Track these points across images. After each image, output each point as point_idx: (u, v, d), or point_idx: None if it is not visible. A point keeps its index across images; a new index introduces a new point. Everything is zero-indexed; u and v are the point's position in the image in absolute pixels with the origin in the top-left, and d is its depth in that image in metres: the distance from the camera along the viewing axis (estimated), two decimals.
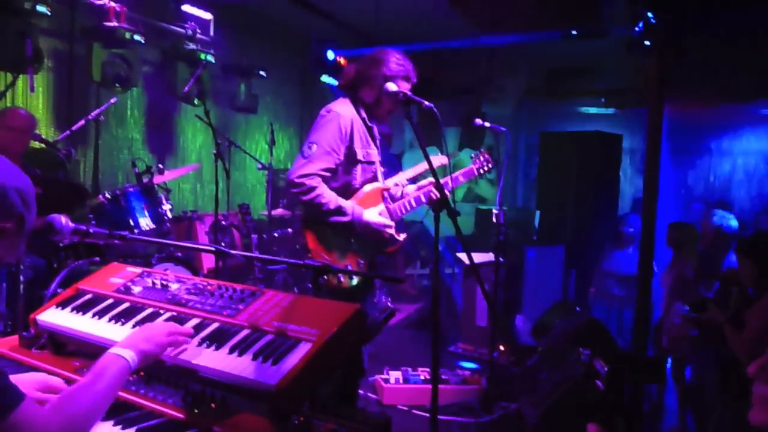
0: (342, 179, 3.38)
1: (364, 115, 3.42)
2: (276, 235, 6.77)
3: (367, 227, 3.35)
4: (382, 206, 3.50)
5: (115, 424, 1.66)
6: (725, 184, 10.25)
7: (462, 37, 7.80)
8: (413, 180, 3.96)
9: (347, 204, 3.31)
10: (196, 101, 6.60)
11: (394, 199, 3.61)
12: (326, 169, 3.27)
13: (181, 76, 6.56)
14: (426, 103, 3.07)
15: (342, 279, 3.27)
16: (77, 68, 5.76)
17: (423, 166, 3.96)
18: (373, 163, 3.47)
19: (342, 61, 8.14)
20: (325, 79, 8.09)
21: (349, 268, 3.34)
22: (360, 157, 3.38)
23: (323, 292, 2.06)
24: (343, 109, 3.36)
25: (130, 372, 1.69)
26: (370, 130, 3.45)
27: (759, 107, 9.59)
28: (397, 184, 3.76)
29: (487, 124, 4.77)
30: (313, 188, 3.22)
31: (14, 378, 1.53)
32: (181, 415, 1.68)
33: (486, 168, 3.90)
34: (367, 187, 3.47)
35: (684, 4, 4.37)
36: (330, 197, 3.26)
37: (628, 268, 6.47)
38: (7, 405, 1.42)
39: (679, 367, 4.83)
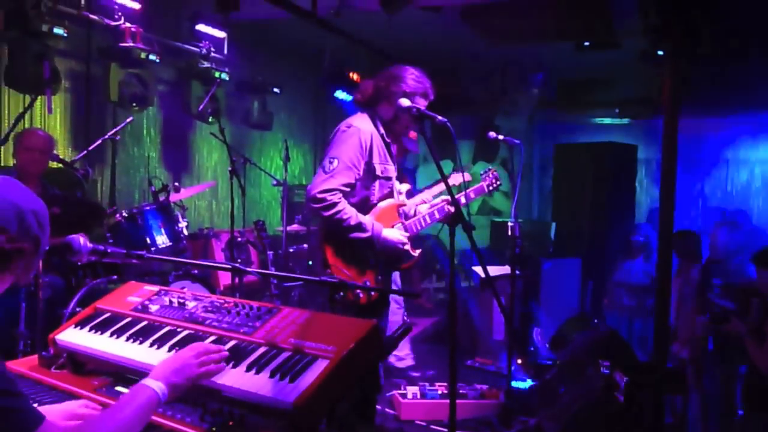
0: (360, 194, 3.38)
1: (382, 130, 3.44)
2: (291, 250, 6.78)
3: (386, 243, 3.35)
4: (399, 223, 3.51)
5: None
6: (743, 193, 10.15)
7: (474, 50, 7.84)
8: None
9: (367, 220, 3.31)
10: (210, 119, 6.66)
11: (407, 216, 3.62)
12: (347, 185, 3.27)
13: (196, 95, 6.62)
14: (439, 117, 3.09)
15: (361, 295, 3.27)
16: (94, 88, 5.84)
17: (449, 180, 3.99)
18: (390, 178, 3.49)
19: (355, 77, 8.19)
20: (339, 95, 8.13)
21: (367, 283, 3.35)
22: (378, 172, 3.40)
23: (340, 308, 2.06)
24: (364, 125, 3.37)
25: (159, 404, 1.67)
26: (388, 146, 3.47)
27: None
28: (424, 201, 3.77)
29: (501, 137, 4.77)
30: (334, 204, 3.22)
31: (46, 409, 1.53)
32: None
33: (495, 185, 3.99)
34: (384, 203, 3.48)
35: (697, 13, 4.35)
36: (351, 213, 3.26)
37: (638, 278, 6.44)
38: (27, 429, 1.43)
39: (698, 375, 4.77)
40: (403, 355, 5.38)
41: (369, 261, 3.36)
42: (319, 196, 3.21)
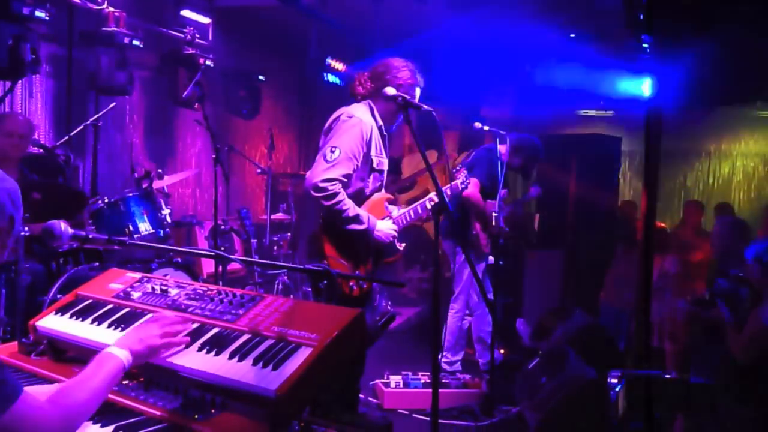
0: (356, 186, 3.37)
1: (380, 123, 3.44)
2: (275, 239, 6.77)
3: (379, 236, 3.36)
4: (387, 216, 3.52)
5: (115, 430, 1.65)
6: (724, 186, 10.25)
7: (461, 39, 7.82)
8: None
9: (363, 212, 3.32)
10: (195, 106, 6.61)
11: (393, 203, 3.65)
12: (346, 175, 3.25)
13: (180, 81, 6.56)
14: (425, 107, 3.09)
15: (354, 287, 3.28)
16: (76, 73, 5.76)
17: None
18: (383, 171, 3.50)
19: (340, 66, 8.16)
20: (329, 78, 8.10)
21: (359, 274, 3.36)
22: (375, 165, 3.40)
23: (325, 297, 2.06)
24: (365, 116, 3.37)
25: (124, 371, 1.74)
26: (384, 138, 3.48)
27: (759, 109, 9.60)
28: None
29: (486, 128, 4.78)
30: (335, 194, 3.20)
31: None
32: (181, 421, 1.68)
33: (466, 183, 4.07)
34: (375, 196, 3.50)
35: (681, 5, 4.37)
36: (350, 204, 3.26)
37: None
38: (7, 397, 1.46)
39: (683, 360, 4.83)
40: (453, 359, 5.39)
41: (362, 253, 3.37)
42: (321, 185, 3.18)
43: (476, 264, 5.01)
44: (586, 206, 7.33)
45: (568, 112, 10.06)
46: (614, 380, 3.42)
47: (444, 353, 5.28)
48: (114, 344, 1.78)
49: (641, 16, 4.64)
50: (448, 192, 3.87)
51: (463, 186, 4.05)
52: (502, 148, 5.29)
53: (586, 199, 7.34)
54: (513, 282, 6.81)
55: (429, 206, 3.59)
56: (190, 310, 2.05)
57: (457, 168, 4.07)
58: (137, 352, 1.77)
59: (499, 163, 4.90)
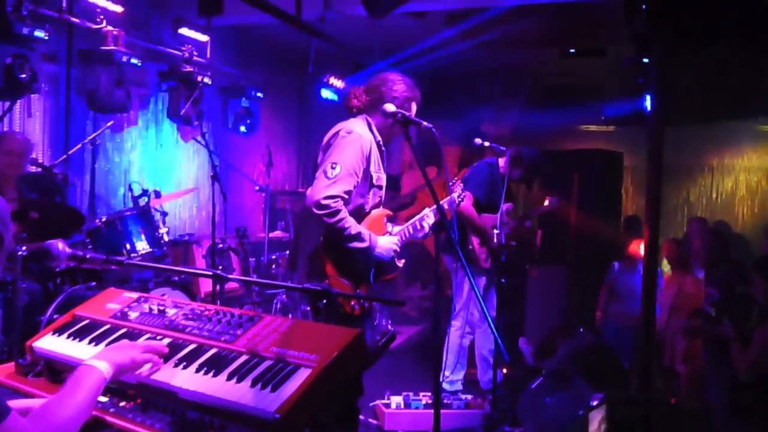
0: (355, 202, 3.35)
1: (378, 138, 3.44)
2: (274, 257, 6.76)
3: (380, 254, 3.35)
4: (386, 233, 3.51)
5: None
6: (728, 201, 10.25)
7: (460, 56, 7.87)
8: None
9: (364, 230, 3.30)
10: (193, 123, 6.64)
11: (392, 226, 3.63)
12: (347, 192, 3.23)
13: (179, 99, 6.60)
14: (425, 123, 3.10)
15: (356, 306, 3.26)
16: (74, 92, 5.80)
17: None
18: (382, 187, 3.50)
19: (338, 83, 8.21)
20: (326, 94, 8.14)
21: (360, 293, 3.35)
22: (374, 180, 3.40)
23: (324, 317, 2.06)
24: (364, 131, 3.36)
25: (105, 383, 1.74)
26: (382, 154, 3.48)
27: (761, 123, 9.63)
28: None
29: (486, 144, 4.80)
30: (337, 211, 3.16)
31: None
32: None
33: (462, 196, 4.08)
34: (374, 212, 3.49)
35: (682, 22, 4.41)
36: (351, 222, 3.23)
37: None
38: None
39: (696, 383, 4.81)
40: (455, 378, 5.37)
41: (363, 271, 3.36)
42: (324, 202, 3.14)
43: (476, 279, 5.00)
44: (589, 222, 7.34)
45: (569, 128, 10.10)
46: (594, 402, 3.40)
47: (444, 372, 5.26)
48: (93, 356, 1.79)
49: (642, 31, 4.67)
50: (445, 206, 3.87)
51: (459, 200, 4.05)
52: (501, 162, 5.32)
53: (589, 215, 7.35)
54: (515, 299, 6.80)
55: (425, 223, 3.59)
56: (187, 330, 2.06)
57: (453, 182, 4.07)
58: (118, 364, 1.78)
59: (499, 176, 4.91)
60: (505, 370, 5.75)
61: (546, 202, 6.20)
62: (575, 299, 7.22)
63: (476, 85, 9.63)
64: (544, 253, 7.46)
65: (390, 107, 3.21)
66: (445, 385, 5.22)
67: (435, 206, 3.68)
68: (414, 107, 3.49)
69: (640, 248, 6.44)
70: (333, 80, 8.18)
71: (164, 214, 5.27)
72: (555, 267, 7.23)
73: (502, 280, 4.94)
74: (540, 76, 9.51)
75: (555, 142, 9.79)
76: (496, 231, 4.83)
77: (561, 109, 9.28)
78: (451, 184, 4.03)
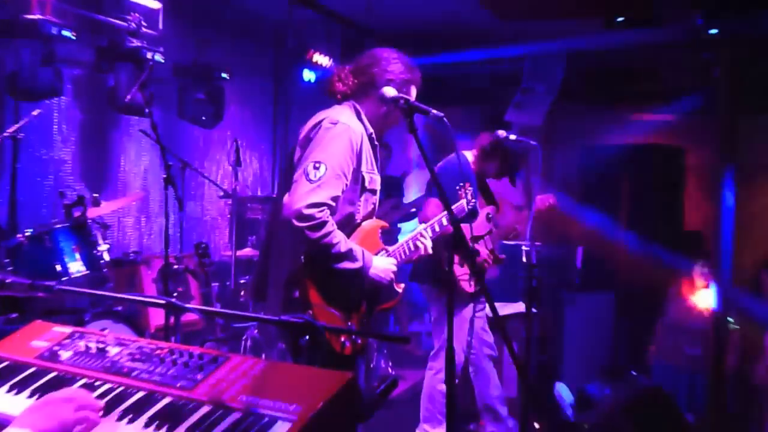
0: (343, 211, 3.35)
1: (370, 130, 3.44)
2: (243, 282, 6.76)
3: (376, 276, 3.35)
4: (382, 250, 3.51)
5: None
6: None
7: (479, 28, 7.89)
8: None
9: (356, 246, 3.29)
10: (141, 112, 6.65)
11: (387, 239, 3.63)
12: (334, 198, 3.22)
13: (123, 82, 6.61)
14: (433, 111, 3.11)
15: (347, 343, 3.24)
16: None
17: None
18: (375, 192, 3.49)
19: (324, 60, 8.23)
20: (307, 76, 8.17)
21: (352, 327, 3.34)
22: (366, 183, 3.40)
23: (306, 358, 2.06)
24: (352, 121, 3.37)
25: None
26: (375, 150, 3.48)
27: None
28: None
29: (512, 137, 4.81)
30: (323, 223, 3.14)
31: None
32: None
33: (472, 203, 4.09)
34: (366, 224, 3.47)
35: None
36: (341, 237, 3.21)
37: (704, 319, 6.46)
38: None
39: None
40: None
41: (355, 299, 3.36)
42: (306, 211, 3.11)
43: (460, 309, 4.97)
44: (643, 236, 7.36)
45: (616, 117, 10.12)
46: None
47: (421, 425, 5.23)
48: (14, 423, 1.76)
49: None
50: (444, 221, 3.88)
51: (470, 207, 4.06)
52: (470, 156, 5.25)
53: (643, 226, 7.37)
54: (549, 335, 6.80)
55: (420, 243, 3.59)
56: (134, 374, 2.06)
57: (460, 185, 4.06)
58: (44, 431, 1.75)
59: (471, 174, 4.89)
60: (537, 425, 5.75)
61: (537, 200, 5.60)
62: (625, 333, 7.22)
63: (498, 62, 9.64)
64: (585, 277, 7.47)
65: (390, 91, 3.22)
66: None
67: (434, 221, 3.73)
68: (414, 91, 3.50)
69: (702, 277, 6.47)
70: (318, 57, 8.20)
71: (105, 226, 5.27)
72: (600, 293, 7.24)
73: (533, 310, 4.94)
74: (580, 53, 9.52)
75: (597, 136, 9.81)
76: (524, 248, 4.83)
77: (604, 94, 9.30)
78: (457, 188, 4.04)
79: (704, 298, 6.50)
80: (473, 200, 4.11)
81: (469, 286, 5.11)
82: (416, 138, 2.99)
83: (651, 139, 9.25)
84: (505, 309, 5.95)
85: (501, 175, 5.45)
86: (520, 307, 5.57)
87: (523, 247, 4.85)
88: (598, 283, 7.35)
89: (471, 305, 5.17)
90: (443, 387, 5.14)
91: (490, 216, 5.29)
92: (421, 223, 4.88)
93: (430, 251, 3.64)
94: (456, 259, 5.05)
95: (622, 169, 7.63)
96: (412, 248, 3.60)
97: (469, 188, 4.07)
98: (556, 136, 10.79)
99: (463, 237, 2.90)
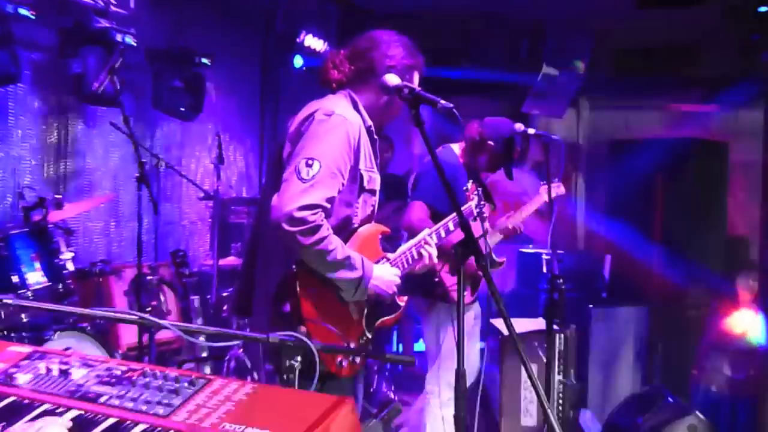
0: (340, 213, 3.35)
1: (369, 122, 3.45)
2: (225, 295, 6.76)
3: (377, 288, 3.35)
4: (383, 258, 3.51)
5: None
6: None
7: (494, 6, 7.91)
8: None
9: (354, 254, 3.28)
10: (112, 102, 6.66)
11: (388, 247, 3.63)
12: (330, 199, 3.20)
13: (89, 67, 6.62)
14: (442, 102, 3.10)
15: (344, 363, 3.24)
16: None
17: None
18: (375, 192, 3.49)
19: (318, 44, 8.25)
20: (299, 62, 8.18)
21: (351, 346, 3.33)
22: (365, 183, 3.40)
23: (298, 381, 2.06)
24: (349, 112, 3.36)
25: None
26: (374, 144, 3.48)
27: None
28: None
29: (532, 131, 4.81)
30: (317, 226, 3.11)
31: None
32: None
33: (481, 206, 4.10)
34: (364, 229, 3.48)
35: None
36: (338, 243, 3.20)
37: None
38: None
39: None
40: None
41: (354, 314, 3.36)
42: (298, 214, 3.07)
43: (455, 321, 4.96)
44: (680, 242, 7.36)
45: (650, 108, 10.13)
46: None
47: None
48: None
49: None
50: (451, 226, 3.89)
51: (478, 209, 4.07)
52: (456, 149, 5.24)
53: (680, 232, 7.37)
54: (573, 355, 6.80)
55: (424, 251, 3.59)
56: (102, 399, 2.06)
57: (467, 187, 4.06)
58: None
59: (458, 171, 4.91)
60: None
61: (544, 196, 5.49)
62: (660, 354, 7.22)
63: (516, 46, 9.66)
64: (614, 289, 7.47)
65: (392, 79, 3.22)
66: None
67: (439, 225, 3.74)
68: (416, 78, 3.50)
69: (747, 290, 6.47)
70: (310, 41, 8.21)
71: (69, 232, 5.28)
72: (631, 308, 7.24)
73: (555, 327, 4.94)
74: (608, 34, 9.53)
75: (630, 128, 9.82)
76: (545, 256, 4.84)
77: (638, 81, 9.31)
78: (464, 189, 4.04)
79: (749, 315, 6.50)
80: (483, 203, 4.11)
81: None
82: (422, 132, 2.96)
83: (690, 133, 9.27)
84: (522, 325, 5.95)
85: (495, 168, 5.43)
86: (540, 323, 5.56)
87: (544, 256, 4.86)
88: (629, 296, 7.35)
89: (471, 314, 5.23)
90: (447, 412, 5.11)
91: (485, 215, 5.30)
92: (403, 230, 4.90)
93: (435, 260, 3.64)
94: (446, 268, 5.07)
95: (655, 167, 7.62)
96: (416, 257, 3.59)
97: (478, 189, 4.07)
98: (581, 128, 10.82)
99: (477, 244, 2.89)
